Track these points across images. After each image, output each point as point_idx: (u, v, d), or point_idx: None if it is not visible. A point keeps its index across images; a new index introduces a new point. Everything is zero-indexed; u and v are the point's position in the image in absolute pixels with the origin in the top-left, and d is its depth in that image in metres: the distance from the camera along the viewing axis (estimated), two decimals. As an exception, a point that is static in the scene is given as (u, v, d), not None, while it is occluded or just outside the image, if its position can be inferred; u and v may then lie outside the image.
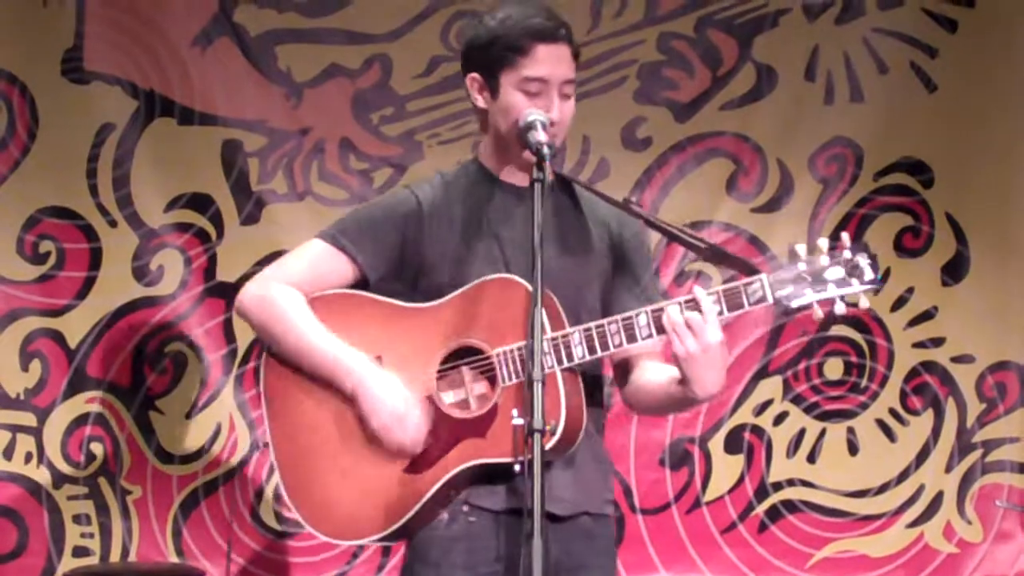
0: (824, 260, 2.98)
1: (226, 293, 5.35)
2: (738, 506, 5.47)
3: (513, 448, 2.88)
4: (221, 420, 5.35)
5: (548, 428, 2.81)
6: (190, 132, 5.43)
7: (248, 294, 3.30)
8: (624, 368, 3.33)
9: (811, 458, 5.52)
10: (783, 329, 5.54)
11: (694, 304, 3.00)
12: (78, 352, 5.33)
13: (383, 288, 3.25)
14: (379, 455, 3.12)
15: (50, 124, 5.36)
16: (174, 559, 5.28)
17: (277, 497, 5.34)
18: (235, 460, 5.36)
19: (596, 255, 3.30)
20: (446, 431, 3.10)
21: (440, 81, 5.48)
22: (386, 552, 5.26)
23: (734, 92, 5.55)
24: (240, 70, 5.45)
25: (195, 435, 5.34)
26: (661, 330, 3.02)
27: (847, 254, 2.98)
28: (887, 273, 5.54)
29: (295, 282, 3.24)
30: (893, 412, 5.55)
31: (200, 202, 5.42)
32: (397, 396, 3.10)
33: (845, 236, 3.01)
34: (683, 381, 3.04)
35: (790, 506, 5.49)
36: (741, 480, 5.48)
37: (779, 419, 5.52)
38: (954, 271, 5.59)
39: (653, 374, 3.26)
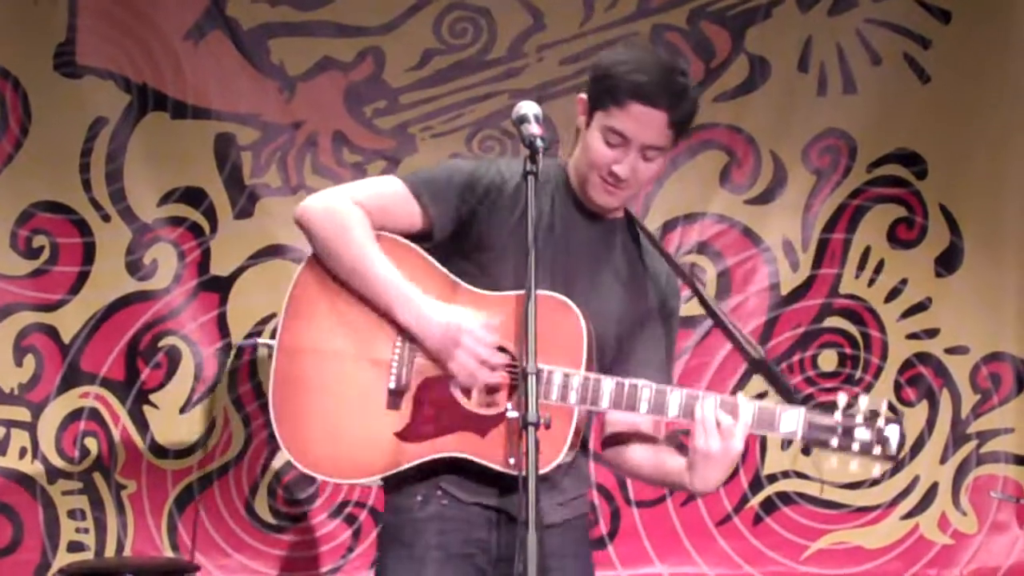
0: (859, 419, 2.99)
1: (220, 287, 5.35)
2: (733, 498, 5.48)
3: (505, 457, 2.90)
4: (216, 414, 5.34)
5: (543, 421, 2.80)
6: (183, 126, 5.42)
7: (317, 202, 3.16)
8: (615, 429, 3.28)
9: (806, 450, 5.52)
10: (777, 320, 5.54)
11: (730, 406, 3.01)
12: (72, 347, 5.33)
13: (441, 246, 3.17)
14: (379, 413, 3.07)
15: (43, 119, 5.35)
16: (169, 553, 5.28)
17: (272, 492, 5.34)
18: (230, 454, 5.36)
19: (645, 306, 3.24)
20: (449, 413, 3.08)
21: (433, 74, 5.48)
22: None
23: (727, 84, 5.55)
24: (233, 64, 5.44)
25: (189, 429, 5.34)
26: (688, 415, 3.03)
27: (880, 423, 2.99)
28: (880, 265, 5.56)
29: (364, 205, 3.13)
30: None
31: (193, 196, 5.41)
32: (468, 317, 3.03)
33: (885, 405, 3.01)
34: (688, 468, 3.06)
35: (785, 498, 5.50)
36: (736, 472, 5.48)
37: (773, 411, 5.51)
38: (948, 262, 5.59)
39: (647, 450, 3.24)
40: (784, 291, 5.56)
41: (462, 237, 3.16)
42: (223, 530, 5.32)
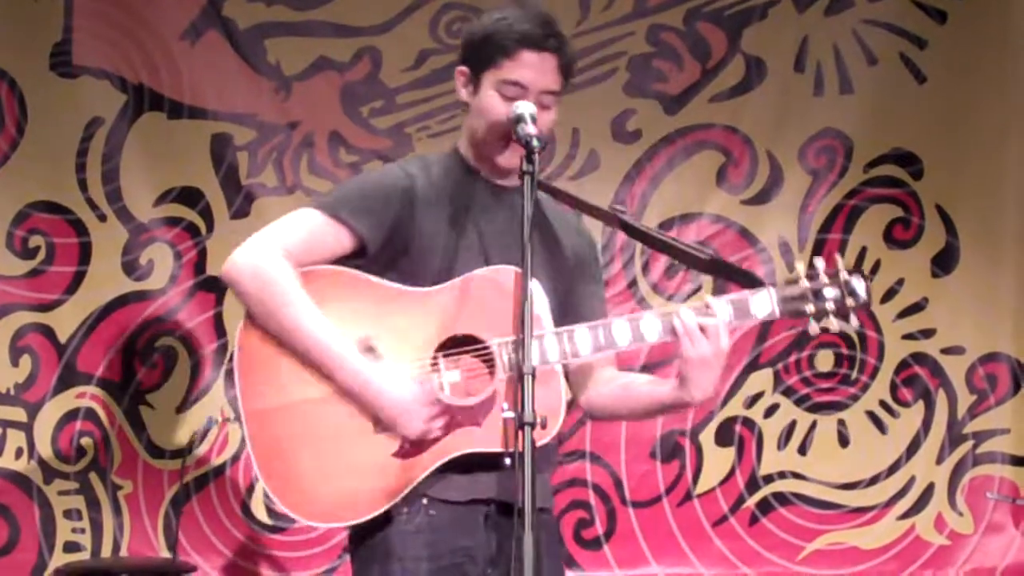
0: (824, 279, 3.10)
1: (216, 287, 5.34)
2: (729, 498, 5.48)
3: (504, 439, 2.90)
4: (212, 414, 5.33)
5: (539, 421, 2.79)
6: (179, 126, 5.42)
7: (241, 261, 3.17)
8: (582, 375, 3.31)
9: (802, 450, 5.53)
10: (773, 321, 5.53)
11: (707, 310, 3.06)
12: (68, 347, 5.33)
13: (363, 264, 3.19)
14: (369, 441, 3.07)
15: (39, 118, 5.35)
16: (165, 554, 5.27)
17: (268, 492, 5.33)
18: (226, 455, 5.36)
19: (568, 259, 3.31)
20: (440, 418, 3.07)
21: (429, 74, 5.48)
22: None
23: (724, 84, 5.56)
24: (229, 64, 5.44)
25: (186, 430, 5.33)
26: (669, 332, 3.06)
27: (843, 276, 3.10)
28: (877, 265, 5.56)
29: (290, 252, 3.15)
30: (884, 404, 5.56)
31: (190, 196, 5.41)
32: (403, 387, 3.06)
33: (840, 261, 3.13)
34: (681, 383, 3.07)
35: (781, 498, 5.50)
36: (732, 472, 5.48)
37: (770, 411, 5.52)
38: (944, 262, 5.60)
39: (628, 379, 3.28)
40: (781, 291, 5.56)
41: (389, 244, 3.17)
42: (219, 530, 5.32)
